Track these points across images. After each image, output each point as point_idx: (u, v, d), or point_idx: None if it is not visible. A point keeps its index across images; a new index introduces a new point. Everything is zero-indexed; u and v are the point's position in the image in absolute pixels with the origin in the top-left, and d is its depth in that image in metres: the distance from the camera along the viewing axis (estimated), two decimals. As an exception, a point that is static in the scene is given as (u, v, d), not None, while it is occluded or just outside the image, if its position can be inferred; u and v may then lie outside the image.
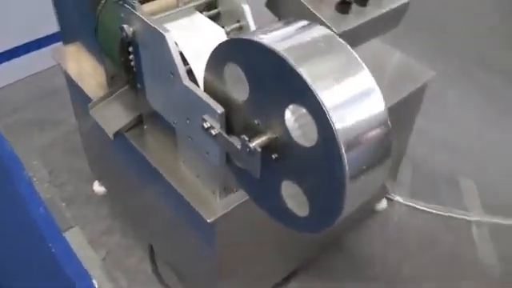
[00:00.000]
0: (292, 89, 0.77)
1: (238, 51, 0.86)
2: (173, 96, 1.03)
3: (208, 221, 1.10)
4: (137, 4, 1.02)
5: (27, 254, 1.81)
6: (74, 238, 1.84)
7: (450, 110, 2.36)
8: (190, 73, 1.00)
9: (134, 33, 1.05)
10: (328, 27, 1.06)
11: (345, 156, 0.74)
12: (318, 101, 0.74)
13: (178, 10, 1.09)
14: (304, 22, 0.86)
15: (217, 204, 1.13)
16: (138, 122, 1.31)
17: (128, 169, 1.46)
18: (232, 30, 1.08)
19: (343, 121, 0.75)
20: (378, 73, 1.36)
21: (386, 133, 0.81)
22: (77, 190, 1.96)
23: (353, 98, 0.78)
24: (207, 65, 0.94)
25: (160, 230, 1.54)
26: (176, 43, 0.99)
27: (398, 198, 1.96)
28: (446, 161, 2.11)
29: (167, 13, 1.08)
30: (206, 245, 1.23)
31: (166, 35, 0.97)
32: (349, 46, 0.82)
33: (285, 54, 0.76)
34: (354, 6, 1.14)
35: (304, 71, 0.75)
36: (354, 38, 1.13)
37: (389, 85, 1.46)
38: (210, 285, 1.37)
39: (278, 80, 0.79)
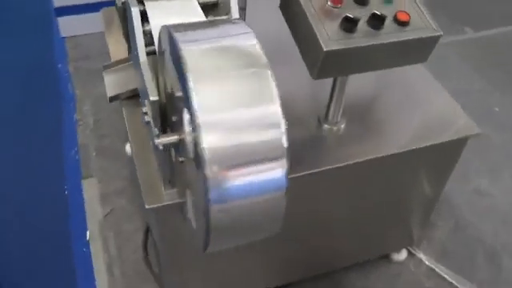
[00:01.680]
0: (185, 89, 0.69)
1: (168, 39, 0.79)
2: (138, 75, 1.00)
3: (146, 206, 1.06)
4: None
5: (42, 188, 1.91)
6: (89, 187, 1.89)
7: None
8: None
9: (123, 3, 1.04)
10: (315, 39, 0.95)
11: (210, 178, 0.65)
12: (194, 108, 0.65)
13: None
14: (241, 29, 0.76)
15: (162, 193, 1.07)
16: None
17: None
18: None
19: (218, 139, 0.65)
20: (410, 107, 1.23)
21: (280, 168, 0.69)
22: (111, 145, 2.01)
23: (242, 122, 0.68)
24: (158, 49, 0.89)
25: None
26: (148, 22, 0.96)
27: (421, 255, 1.75)
28: (496, 234, 1.84)
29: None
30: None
31: (133, 10, 0.94)
32: (271, 74, 0.71)
33: (184, 53, 0.68)
34: (365, 27, 1.00)
35: (193, 76, 0.66)
36: (351, 60, 1.01)
37: (418, 127, 1.30)
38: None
39: (181, 78, 0.71)
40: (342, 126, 1.25)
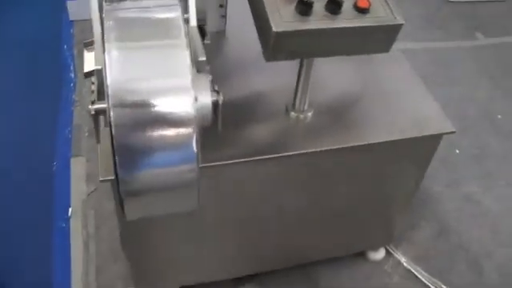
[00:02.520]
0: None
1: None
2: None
3: (100, 178, 1.08)
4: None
5: (32, 160, 1.95)
6: (76, 165, 1.92)
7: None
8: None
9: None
10: (267, 21, 0.95)
11: (116, 144, 0.67)
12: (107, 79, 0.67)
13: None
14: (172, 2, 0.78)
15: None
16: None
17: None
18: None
19: (125, 109, 0.67)
20: (384, 102, 1.22)
21: (186, 136, 0.70)
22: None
23: (152, 92, 0.70)
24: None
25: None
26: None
27: (399, 256, 1.72)
28: (482, 242, 1.80)
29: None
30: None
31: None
32: (186, 45, 0.72)
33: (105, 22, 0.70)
34: (322, 12, 0.99)
35: (108, 46, 0.68)
36: (305, 44, 1.00)
37: (390, 121, 1.28)
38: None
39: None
40: (309, 114, 1.24)
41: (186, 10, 1.01)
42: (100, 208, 1.79)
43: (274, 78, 1.30)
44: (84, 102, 2.15)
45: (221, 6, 1.43)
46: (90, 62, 1.37)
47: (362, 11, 1.01)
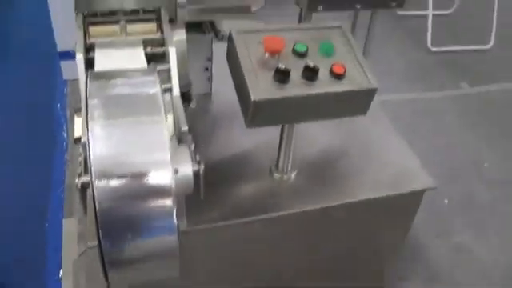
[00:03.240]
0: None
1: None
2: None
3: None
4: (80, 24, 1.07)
5: (25, 220, 1.96)
6: (69, 227, 1.93)
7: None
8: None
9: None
10: (246, 89, 0.99)
11: (99, 217, 0.69)
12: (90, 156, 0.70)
13: (121, 38, 1.10)
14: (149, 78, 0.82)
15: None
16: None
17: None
18: (160, 71, 1.05)
19: (108, 185, 0.70)
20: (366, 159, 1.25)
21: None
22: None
23: (132, 166, 0.73)
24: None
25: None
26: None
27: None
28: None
29: (111, 39, 1.10)
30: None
31: (77, 56, 1.00)
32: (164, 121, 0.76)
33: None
34: (299, 79, 1.04)
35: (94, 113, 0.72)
36: (283, 111, 1.04)
37: (372, 179, 1.31)
38: None
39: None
40: (293, 174, 1.27)
41: (169, 79, 1.07)
42: (90, 269, 1.79)
43: (258, 138, 1.33)
44: (76, 161, 2.17)
45: (206, 69, 1.48)
46: (79, 127, 1.41)
47: (338, 77, 1.05)
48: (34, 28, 2.68)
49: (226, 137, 1.37)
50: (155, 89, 0.82)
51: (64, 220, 1.96)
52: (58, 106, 2.48)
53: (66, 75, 2.59)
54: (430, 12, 3.00)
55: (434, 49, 3.00)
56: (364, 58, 1.11)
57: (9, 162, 2.17)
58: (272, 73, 1.03)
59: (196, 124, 1.37)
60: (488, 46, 3.06)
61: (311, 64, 1.02)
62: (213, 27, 1.30)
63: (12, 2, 2.79)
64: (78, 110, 1.44)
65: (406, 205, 1.35)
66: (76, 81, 2.66)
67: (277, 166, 1.26)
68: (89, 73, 0.87)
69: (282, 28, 1.11)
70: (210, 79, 1.50)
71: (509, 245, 1.97)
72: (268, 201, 1.22)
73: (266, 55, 1.05)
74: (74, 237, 1.91)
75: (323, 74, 1.05)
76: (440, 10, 3.20)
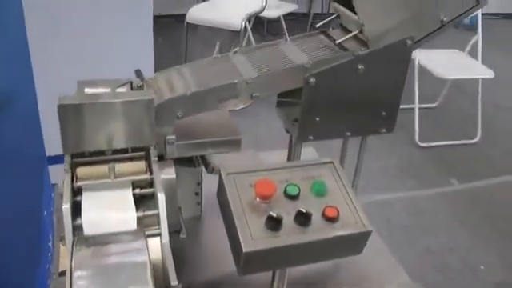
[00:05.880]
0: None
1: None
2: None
3: None
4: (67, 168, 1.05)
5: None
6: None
7: None
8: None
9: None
10: (237, 238, 0.96)
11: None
12: None
13: (110, 180, 1.08)
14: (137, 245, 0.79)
15: None
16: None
17: None
18: (144, 217, 1.03)
19: None
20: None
21: None
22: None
23: None
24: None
25: None
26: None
27: None
28: None
29: (100, 181, 1.08)
30: None
31: (64, 207, 0.98)
32: None
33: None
34: (292, 224, 1.02)
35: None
36: (277, 258, 1.01)
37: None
38: None
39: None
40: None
41: (158, 222, 1.04)
42: None
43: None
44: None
45: (196, 193, 1.46)
46: (64, 259, 1.37)
47: (331, 220, 1.03)
48: (23, 132, 2.68)
49: (215, 263, 1.33)
50: (143, 257, 0.79)
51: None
52: (45, 213, 2.43)
53: (54, 179, 2.57)
54: (417, 106, 3.06)
55: (422, 144, 3.04)
56: (355, 194, 1.10)
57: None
58: (263, 218, 1.01)
59: (185, 249, 1.34)
60: (475, 140, 3.10)
61: (304, 210, 1.00)
62: (203, 160, 1.29)
63: (2, 106, 2.81)
64: (62, 239, 1.41)
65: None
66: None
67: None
68: (75, 239, 0.84)
69: (272, 167, 1.10)
70: (200, 203, 1.48)
71: None
72: None
73: (257, 199, 1.04)
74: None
75: (316, 217, 1.03)
76: (426, 104, 3.27)
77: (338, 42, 1.20)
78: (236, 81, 1.14)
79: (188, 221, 1.39)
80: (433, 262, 2.23)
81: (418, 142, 3.00)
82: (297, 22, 5.00)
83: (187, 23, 3.05)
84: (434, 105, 3.39)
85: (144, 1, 2.59)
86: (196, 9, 3.13)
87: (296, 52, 1.23)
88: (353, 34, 1.18)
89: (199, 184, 1.44)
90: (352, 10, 1.20)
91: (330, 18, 1.30)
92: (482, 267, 2.26)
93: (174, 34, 4.06)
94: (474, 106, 3.12)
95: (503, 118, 3.36)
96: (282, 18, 4.25)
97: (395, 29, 1.15)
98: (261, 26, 4.98)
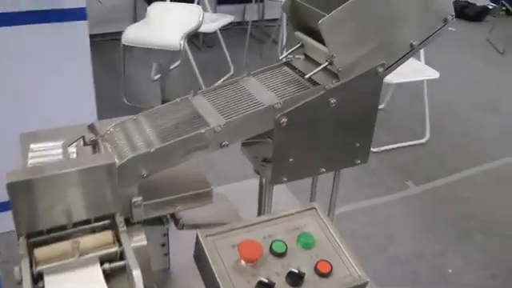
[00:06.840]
0: None
1: None
2: None
3: None
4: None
5: None
6: None
7: None
8: None
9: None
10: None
11: None
12: None
13: (74, 259, 0.95)
14: None
15: None
16: None
17: None
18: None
19: None
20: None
21: None
22: None
23: None
24: None
25: None
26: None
27: None
28: None
29: (63, 262, 0.95)
30: None
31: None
32: None
33: None
34: (283, 284, 0.93)
35: None
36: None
37: None
38: None
39: None
40: None
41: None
42: None
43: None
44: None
45: (163, 245, 1.35)
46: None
47: (325, 276, 0.95)
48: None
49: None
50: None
51: None
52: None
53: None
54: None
55: (373, 149, 3.04)
56: (344, 241, 1.03)
57: None
58: (253, 284, 0.92)
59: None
60: (424, 140, 3.14)
61: (295, 270, 0.92)
62: (172, 216, 1.18)
63: None
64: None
65: None
66: (8, 233, 2.44)
67: None
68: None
69: (252, 223, 1.02)
70: (167, 255, 1.37)
71: None
72: None
73: (243, 262, 0.94)
74: None
75: (309, 274, 0.95)
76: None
77: (307, 76, 1.12)
78: (203, 131, 1.04)
79: (157, 274, 1.29)
80: (402, 271, 2.21)
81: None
82: (233, 32, 4.93)
83: (123, 45, 2.90)
84: (380, 107, 3.41)
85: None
86: (131, 30, 2.98)
87: (262, 90, 1.15)
88: (322, 66, 1.11)
89: (165, 235, 1.34)
90: (317, 39, 1.13)
91: (293, 49, 1.23)
92: (450, 271, 2.27)
93: (108, 53, 3.89)
94: (421, 106, 3.15)
95: (449, 116, 3.42)
96: (217, 30, 4.16)
97: (366, 57, 1.09)
98: (196, 38, 4.86)
